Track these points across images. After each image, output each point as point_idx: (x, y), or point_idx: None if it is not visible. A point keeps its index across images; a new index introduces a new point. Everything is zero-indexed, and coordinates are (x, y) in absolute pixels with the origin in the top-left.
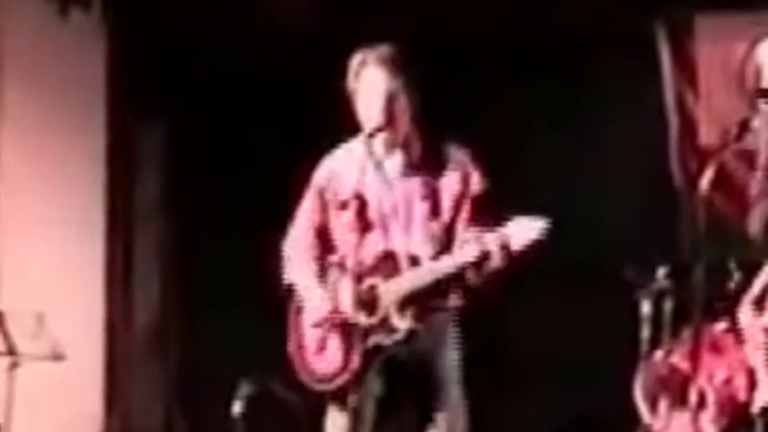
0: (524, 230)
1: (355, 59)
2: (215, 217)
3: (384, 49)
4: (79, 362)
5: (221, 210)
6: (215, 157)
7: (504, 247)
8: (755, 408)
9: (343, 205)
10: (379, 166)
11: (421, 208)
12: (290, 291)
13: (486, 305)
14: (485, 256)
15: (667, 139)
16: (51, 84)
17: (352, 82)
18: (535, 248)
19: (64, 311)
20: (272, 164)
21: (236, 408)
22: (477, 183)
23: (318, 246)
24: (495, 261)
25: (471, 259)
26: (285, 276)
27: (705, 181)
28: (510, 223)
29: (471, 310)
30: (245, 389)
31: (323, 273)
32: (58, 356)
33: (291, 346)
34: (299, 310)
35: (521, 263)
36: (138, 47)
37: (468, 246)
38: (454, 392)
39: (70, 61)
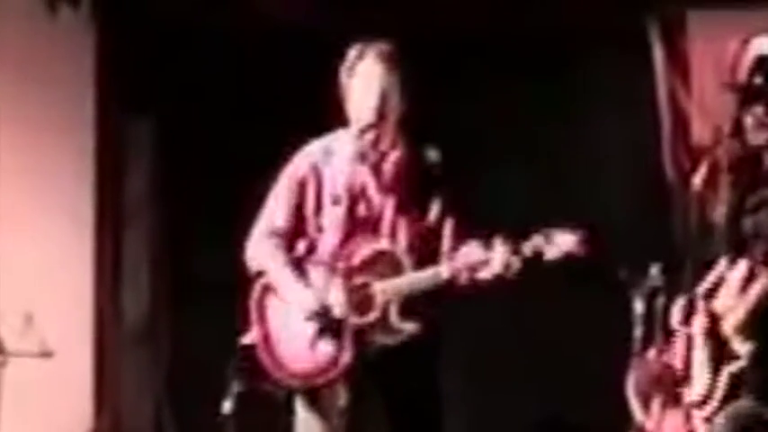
0: (559, 243)
1: (352, 52)
2: (204, 213)
3: (382, 45)
4: (68, 359)
5: (210, 205)
6: (204, 153)
7: (537, 257)
8: (688, 400)
9: (335, 201)
10: (368, 164)
11: (406, 210)
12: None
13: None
14: (506, 266)
15: (660, 137)
16: (40, 80)
17: (345, 75)
18: (568, 260)
19: (52, 308)
20: (261, 159)
21: (227, 405)
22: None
23: (290, 238)
24: (515, 269)
25: (497, 269)
26: (252, 262)
27: (698, 178)
28: (541, 234)
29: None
30: (235, 386)
31: (301, 271)
32: (46, 354)
33: (257, 337)
34: (262, 299)
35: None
36: (128, 43)
37: (492, 253)
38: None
39: (59, 58)
